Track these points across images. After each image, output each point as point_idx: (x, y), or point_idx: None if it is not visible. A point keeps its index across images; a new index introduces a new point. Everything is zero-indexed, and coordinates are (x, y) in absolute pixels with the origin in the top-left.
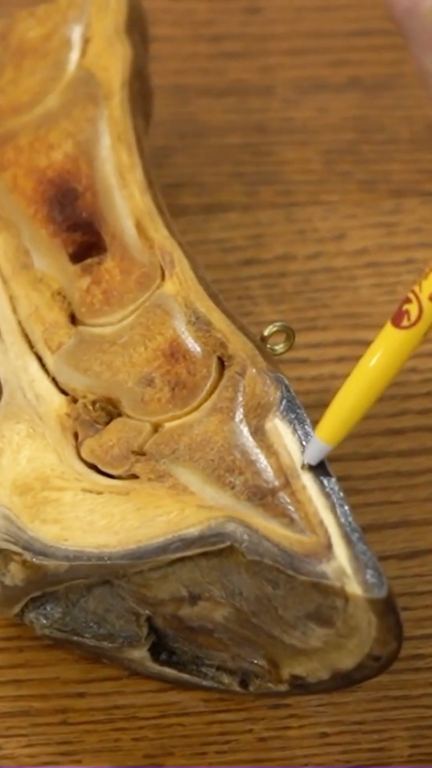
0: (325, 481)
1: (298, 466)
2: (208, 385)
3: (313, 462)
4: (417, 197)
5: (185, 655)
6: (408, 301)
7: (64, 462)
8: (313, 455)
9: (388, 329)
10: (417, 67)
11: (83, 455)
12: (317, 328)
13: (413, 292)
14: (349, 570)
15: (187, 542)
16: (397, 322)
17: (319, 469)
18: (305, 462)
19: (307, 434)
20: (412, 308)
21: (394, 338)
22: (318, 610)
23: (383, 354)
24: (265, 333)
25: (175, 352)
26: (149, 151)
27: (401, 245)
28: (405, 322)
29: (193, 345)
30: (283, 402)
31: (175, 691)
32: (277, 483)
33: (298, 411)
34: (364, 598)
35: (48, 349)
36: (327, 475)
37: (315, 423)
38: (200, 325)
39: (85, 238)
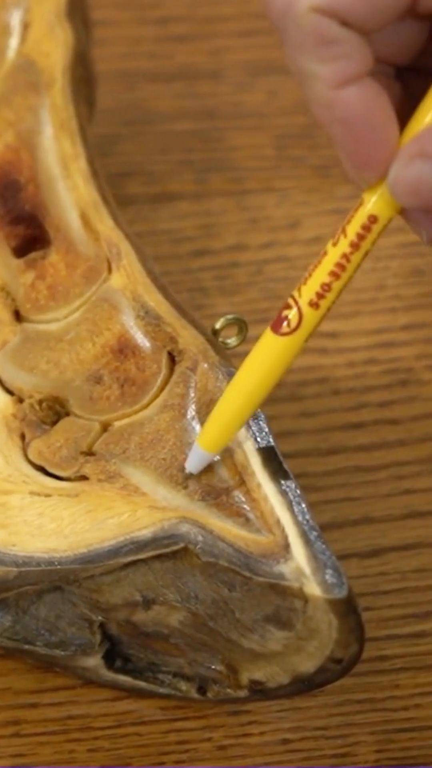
0: (282, 479)
1: (253, 463)
2: (159, 381)
3: (195, 471)
4: None
5: (141, 662)
6: (287, 306)
7: (10, 464)
8: (194, 463)
9: (268, 336)
10: (293, 70)
11: (31, 457)
12: (271, 319)
13: (293, 297)
14: (307, 570)
15: (140, 545)
16: (276, 329)
17: (275, 466)
18: (187, 470)
19: (261, 430)
20: (292, 314)
21: (274, 345)
22: (276, 612)
23: (263, 361)
24: (217, 326)
25: (124, 348)
26: (94, 140)
27: None
28: (285, 329)
29: (142, 340)
30: None
31: (130, 699)
32: (231, 482)
33: None
34: (323, 598)
35: None
36: (283, 472)
37: (269, 419)
38: (149, 319)
39: (29, 232)
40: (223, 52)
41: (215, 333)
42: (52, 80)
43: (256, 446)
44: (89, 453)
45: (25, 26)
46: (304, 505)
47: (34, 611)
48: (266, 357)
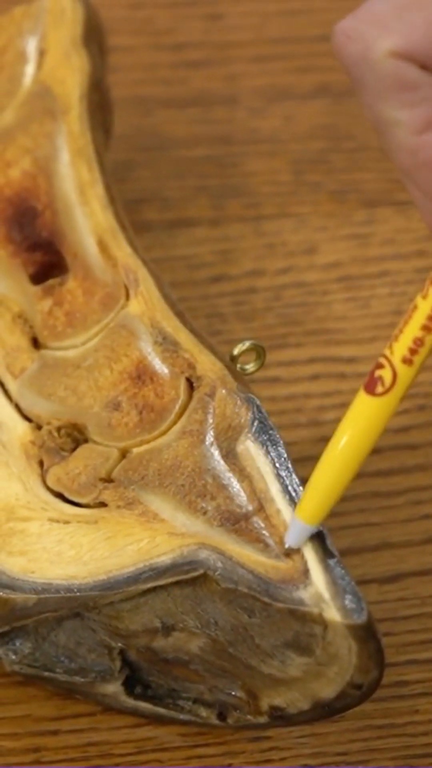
0: None
1: (272, 489)
2: (177, 407)
3: (297, 546)
4: (390, 207)
5: (161, 689)
6: (380, 366)
7: (29, 491)
8: (295, 539)
9: (362, 398)
10: (370, 117)
11: (49, 484)
12: (289, 345)
13: (384, 356)
14: (326, 595)
15: (159, 571)
16: (370, 390)
17: (294, 492)
18: (288, 545)
19: (280, 456)
20: (386, 373)
21: (369, 407)
22: (296, 638)
23: (360, 424)
24: (235, 352)
25: (142, 375)
26: (110, 166)
27: (375, 257)
28: (379, 389)
29: (160, 366)
30: (255, 423)
31: (151, 726)
32: (250, 507)
33: (270, 432)
34: (343, 624)
35: (10, 374)
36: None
37: (288, 444)
38: (167, 345)
39: (46, 258)
40: (239, 78)
41: (233, 359)
42: (68, 107)
43: (275, 472)
44: (108, 480)
45: (41, 53)
46: (323, 531)
47: (53, 638)
48: (362, 420)
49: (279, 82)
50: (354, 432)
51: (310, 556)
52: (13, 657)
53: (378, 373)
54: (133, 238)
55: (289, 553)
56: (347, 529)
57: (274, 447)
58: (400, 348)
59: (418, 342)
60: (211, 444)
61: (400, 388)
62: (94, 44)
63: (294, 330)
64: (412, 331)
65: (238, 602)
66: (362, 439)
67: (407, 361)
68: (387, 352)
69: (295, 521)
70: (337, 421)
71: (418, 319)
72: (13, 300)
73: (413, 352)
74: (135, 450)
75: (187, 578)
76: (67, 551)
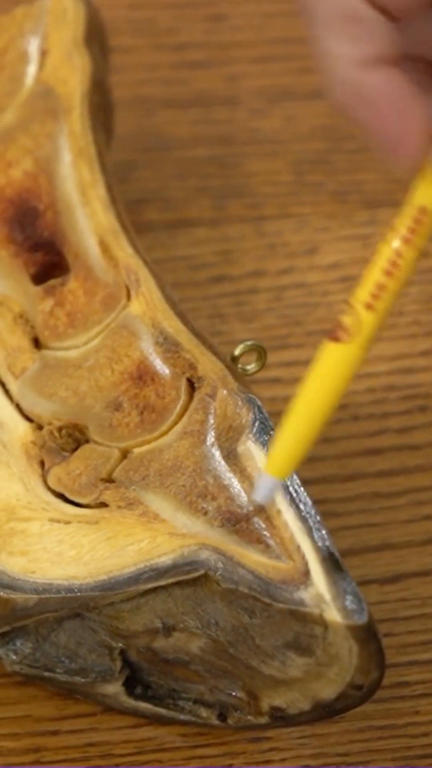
0: (302, 505)
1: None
2: (178, 408)
3: (265, 501)
4: (391, 208)
5: (161, 689)
6: (343, 312)
7: (30, 491)
8: (263, 493)
9: (326, 346)
10: (316, 49)
11: (50, 484)
12: (290, 346)
13: (348, 302)
14: (327, 596)
15: (160, 572)
16: (333, 336)
17: (294, 492)
18: (256, 501)
19: None
20: (349, 320)
21: (333, 354)
22: (296, 638)
23: (325, 373)
24: (236, 352)
25: (143, 375)
26: (112, 166)
27: None
28: (343, 335)
29: (161, 367)
30: (256, 424)
31: (151, 726)
32: (251, 508)
33: (271, 433)
34: (343, 625)
35: (11, 374)
36: (303, 498)
37: None
38: (168, 345)
39: (47, 258)
40: (240, 78)
41: (234, 360)
42: (70, 107)
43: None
44: (109, 480)
45: (43, 53)
46: (324, 532)
47: (54, 638)
48: (328, 368)
49: (280, 83)
50: (319, 382)
51: (311, 556)
52: (14, 657)
53: (341, 318)
54: (135, 238)
55: (290, 554)
56: (348, 529)
57: None
58: (363, 293)
59: (381, 287)
60: (212, 444)
61: (364, 336)
62: (95, 44)
63: (295, 331)
64: (374, 276)
65: (239, 603)
66: (328, 389)
67: (370, 307)
68: (351, 299)
69: (264, 476)
70: (338, 421)
71: (379, 264)
72: (15, 300)
73: (375, 297)
74: (136, 450)
75: (187, 579)
76: (68, 551)
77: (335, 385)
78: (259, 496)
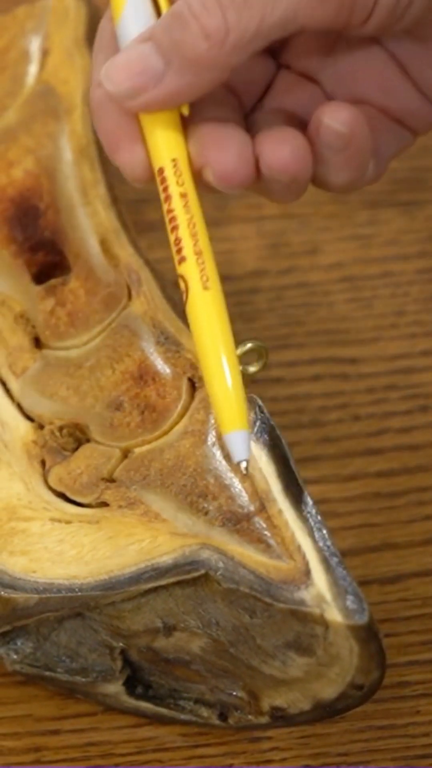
0: (303, 505)
1: (274, 489)
2: (179, 407)
3: (246, 455)
4: (392, 208)
5: (162, 689)
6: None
7: (31, 491)
8: (240, 449)
9: (195, 297)
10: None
11: (51, 483)
12: (291, 345)
13: (184, 258)
14: (328, 596)
15: (161, 571)
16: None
17: (295, 492)
18: (240, 460)
19: (282, 456)
20: (195, 271)
21: (205, 300)
22: (297, 638)
23: (208, 317)
24: (238, 352)
25: (144, 374)
26: (113, 166)
27: (377, 258)
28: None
29: (162, 366)
30: (257, 423)
31: (151, 726)
32: (252, 508)
33: (272, 432)
34: (344, 625)
35: (12, 373)
36: (304, 498)
37: (290, 445)
38: (169, 345)
39: (48, 258)
40: None
41: None
42: (71, 107)
43: (277, 472)
44: (110, 480)
45: (44, 53)
46: (324, 531)
47: (54, 638)
48: (207, 313)
49: None
50: (208, 327)
51: (312, 556)
52: (15, 657)
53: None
54: (136, 238)
55: (291, 554)
56: (349, 529)
57: (277, 447)
58: (188, 251)
59: (177, 242)
60: (213, 444)
61: (213, 279)
62: None
63: (296, 330)
64: (170, 238)
65: (240, 602)
66: (218, 328)
67: (199, 254)
68: (184, 260)
69: (232, 435)
70: (339, 421)
71: (181, 227)
72: (16, 300)
73: (179, 251)
74: (137, 450)
75: (188, 578)
76: (69, 551)
77: (220, 324)
78: (239, 455)
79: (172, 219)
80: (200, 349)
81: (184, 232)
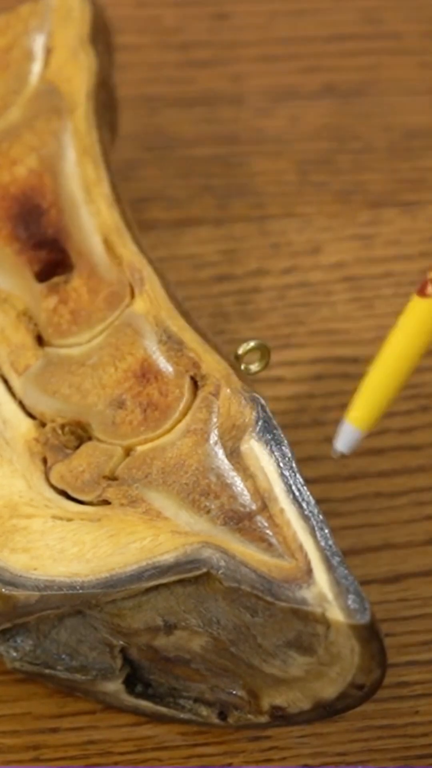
0: (304, 504)
1: (276, 488)
2: (181, 406)
3: (346, 450)
4: (395, 208)
5: (161, 687)
6: (431, 269)
7: (32, 488)
8: (346, 443)
9: (414, 301)
10: None
11: (53, 481)
12: (293, 345)
13: None
14: (330, 595)
15: (162, 569)
16: (422, 292)
17: (297, 491)
18: (338, 450)
19: (284, 455)
20: None
21: (420, 308)
22: (298, 637)
23: (412, 326)
24: (240, 351)
25: (147, 373)
26: (116, 165)
27: (379, 258)
28: (430, 290)
29: (164, 365)
30: (260, 422)
31: (151, 724)
32: (254, 507)
33: (274, 432)
34: (346, 624)
35: (14, 371)
36: (306, 497)
37: (292, 444)
38: (172, 344)
39: (51, 256)
40: (245, 78)
41: (238, 358)
42: (75, 105)
43: (279, 471)
44: (111, 477)
45: (48, 51)
46: (326, 531)
47: (55, 635)
48: (414, 322)
49: (285, 82)
50: (405, 335)
51: (314, 555)
52: (14, 654)
53: (429, 275)
54: (139, 236)
55: (293, 553)
56: (349, 529)
57: (278, 446)
58: None
59: None
60: (216, 443)
61: None
62: (100, 43)
63: (298, 330)
64: None
65: (241, 601)
66: (413, 342)
67: None
68: None
69: (346, 425)
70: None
71: None
72: (18, 297)
73: None
74: (139, 448)
75: (190, 577)
76: (70, 549)
77: (420, 339)
78: (341, 444)
79: None
80: (395, 339)
81: None
